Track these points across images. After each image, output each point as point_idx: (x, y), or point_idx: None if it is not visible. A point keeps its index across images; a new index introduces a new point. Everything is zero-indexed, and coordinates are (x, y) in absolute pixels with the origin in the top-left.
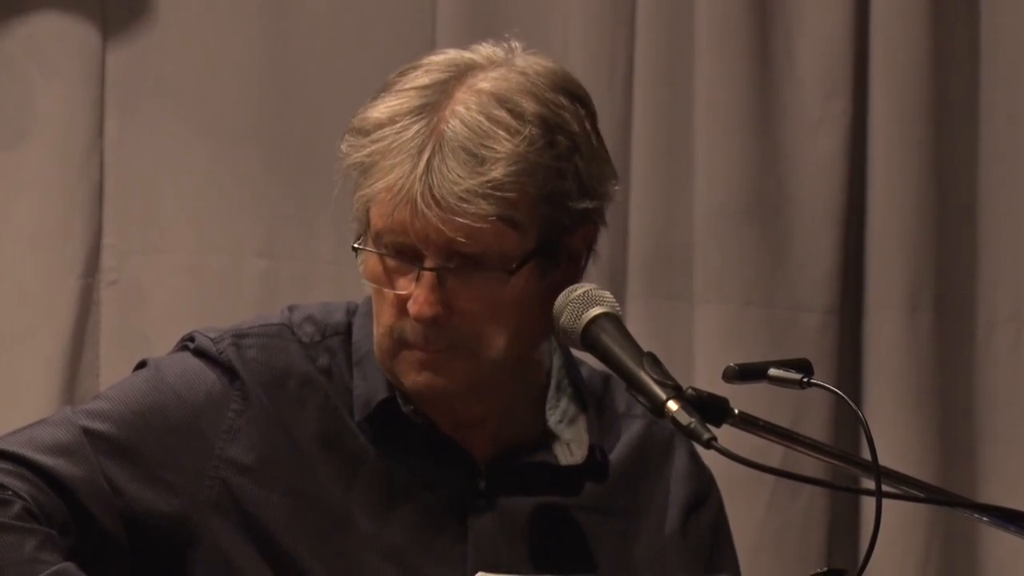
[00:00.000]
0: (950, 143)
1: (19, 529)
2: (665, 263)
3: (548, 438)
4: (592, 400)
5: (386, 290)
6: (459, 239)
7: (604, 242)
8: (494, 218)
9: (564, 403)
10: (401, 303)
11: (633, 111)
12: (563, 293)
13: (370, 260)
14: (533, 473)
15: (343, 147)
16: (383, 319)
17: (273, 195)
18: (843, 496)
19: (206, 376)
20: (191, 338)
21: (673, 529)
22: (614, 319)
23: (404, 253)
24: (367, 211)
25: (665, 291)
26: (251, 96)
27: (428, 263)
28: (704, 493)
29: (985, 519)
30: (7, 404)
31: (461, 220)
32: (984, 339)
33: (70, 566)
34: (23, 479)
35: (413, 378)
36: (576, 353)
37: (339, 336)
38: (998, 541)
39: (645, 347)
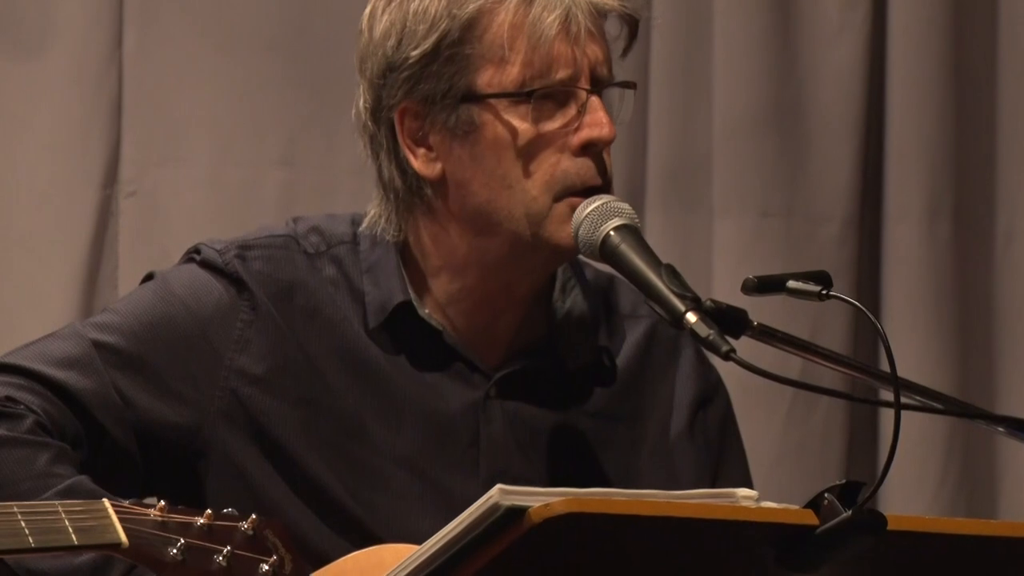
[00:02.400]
0: (969, 52)
1: (32, 443)
2: (683, 175)
3: (555, 340)
4: (597, 301)
5: (547, 133)
6: (605, 60)
7: (622, 154)
8: (627, 39)
9: (569, 304)
10: (560, 146)
11: (652, 23)
12: (581, 205)
13: (500, 124)
14: (542, 379)
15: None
16: (539, 175)
17: (292, 105)
18: (861, 408)
19: (214, 287)
20: (197, 250)
21: (680, 429)
22: (632, 230)
23: (566, 84)
24: (494, 70)
25: (684, 203)
26: (271, 5)
27: (592, 85)
28: (711, 392)
29: (1002, 430)
30: (26, 315)
31: (605, 42)
32: (1003, 249)
33: (84, 479)
34: (34, 393)
35: (569, 230)
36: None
37: (345, 245)
38: (1016, 452)
39: (664, 259)
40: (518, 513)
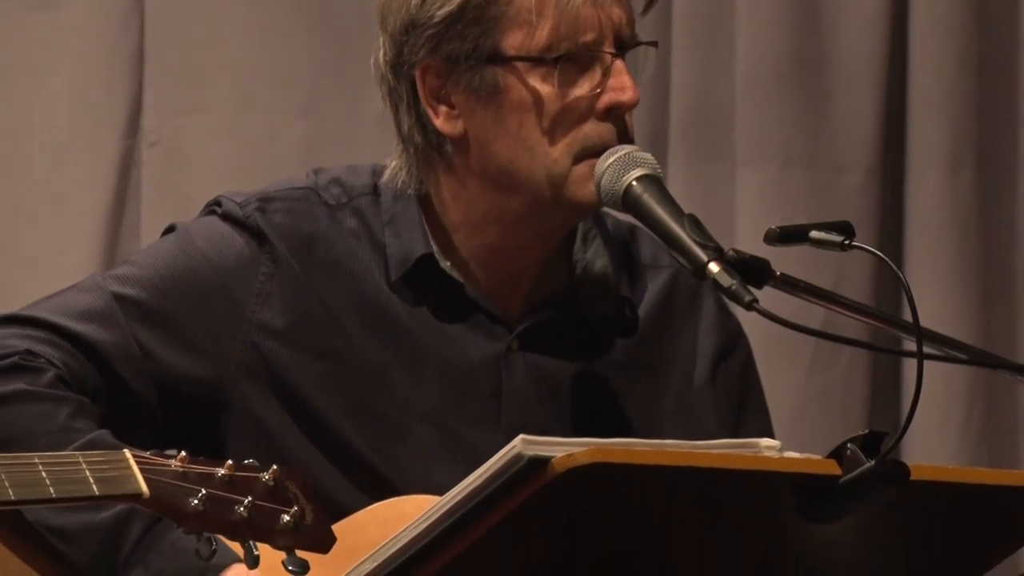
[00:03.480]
0: None
1: (52, 397)
2: (706, 124)
3: (576, 292)
4: (618, 251)
5: (570, 97)
6: (628, 21)
7: (645, 103)
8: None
9: (591, 254)
10: (584, 110)
11: None
12: (603, 155)
13: (524, 87)
14: (563, 330)
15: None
16: (561, 138)
17: (315, 54)
18: (884, 359)
19: (235, 240)
20: (218, 203)
21: (702, 379)
22: (655, 180)
23: (591, 48)
24: (519, 34)
25: (706, 152)
26: None
27: (616, 48)
28: (732, 341)
29: None
30: (49, 265)
31: (627, 2)
32: None
33: (104, 433)
34: (54, 346)
35: (592, 188)
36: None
37: (366, 197)
38: None
39: (686, 209)
40: (541, 463)
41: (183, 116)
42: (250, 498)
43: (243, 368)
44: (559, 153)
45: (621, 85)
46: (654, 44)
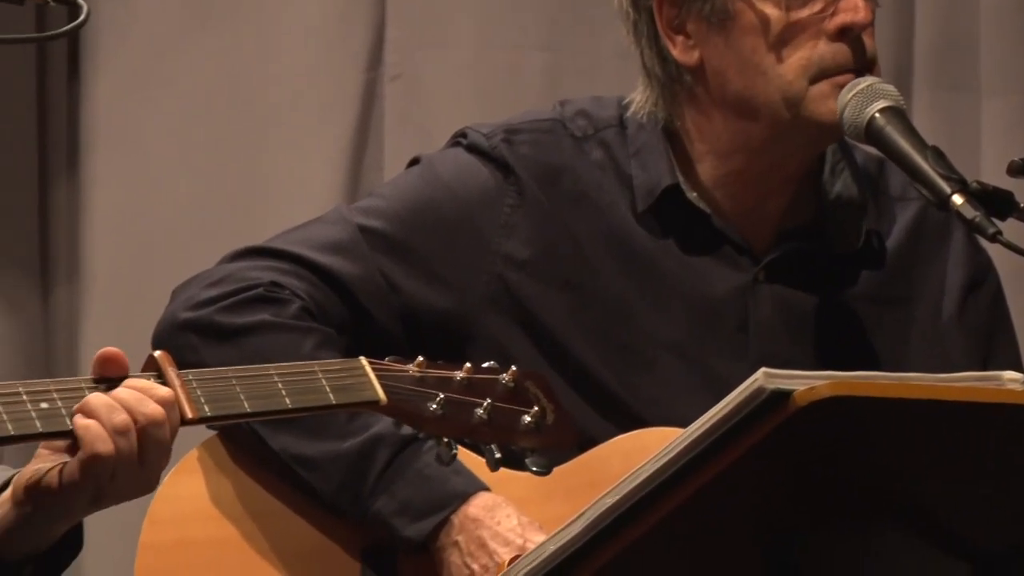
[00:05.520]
0: None
1: (297, 328)
2: (950, 54)
3: (824, 224)
4: (867, 184)
5: (800, 19)
6: None
7: (888, 33)
8: None
9: (839, 186)
10: (815, 31)
11: None
12: (846, 87)
13: (753, 12)
14: (811, 261)
15: None
16: (793, 60)
17: None
18: None
19: (480, 172)
20: (463, 134)
21: (951, 313)
22: (898, 112)
23: None
24: None
25: (950, 82)
26: None
27: None
28: (982, 275)
29: None
30: (291, 199)
31: None
32: None
33: None
34: (300, 278)
35: (833, 106)
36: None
37: (612, 128)
38: None
39: (930, 140)
40: (783, 396)
41: (425, 50)
42: (489, 400)
43: (488, 299)
44: (793, 75)
45: (852, 5)
46: None
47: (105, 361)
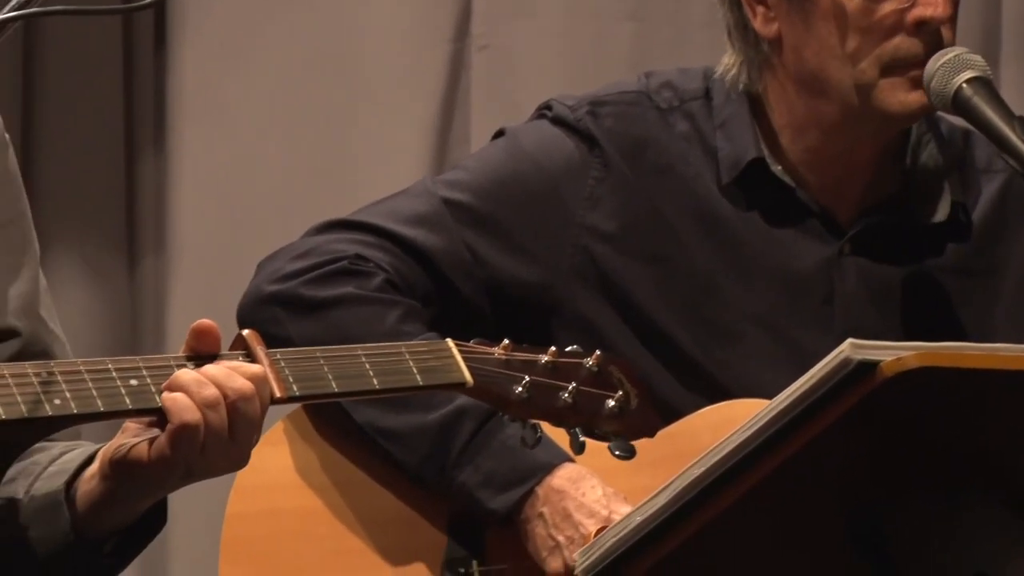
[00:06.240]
0: None
1: (381, 301)
2: None
3: (909, 196)
4: (953, 155)
5: (879, 9)
6: None
7: (975, 4)
8: None
9: (924, 158)
10: (892, 23)
11: None
12: (933, 57)
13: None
14: (896, 234)
15: None
16: (868, 50)
17: None
18: None
19: (565, 144)
20: (548, 106)
21: None
22: (985, 83)
23: None
24: None
25: None
26: None
27: None
28: None
29: None
30: (377, 171)
31: None
32: None
33: (433, 336)
34: (384, 251)
35: (904, 98)
36: None
37: (698, 100)
38: None
39: (1017, 111)
40: (869, 367)
41: (512, 20)
42: (574, 384)
43: (573, 272)
44: (867, 64)
45: (930, 1)
46: None
47: (200, 333)
